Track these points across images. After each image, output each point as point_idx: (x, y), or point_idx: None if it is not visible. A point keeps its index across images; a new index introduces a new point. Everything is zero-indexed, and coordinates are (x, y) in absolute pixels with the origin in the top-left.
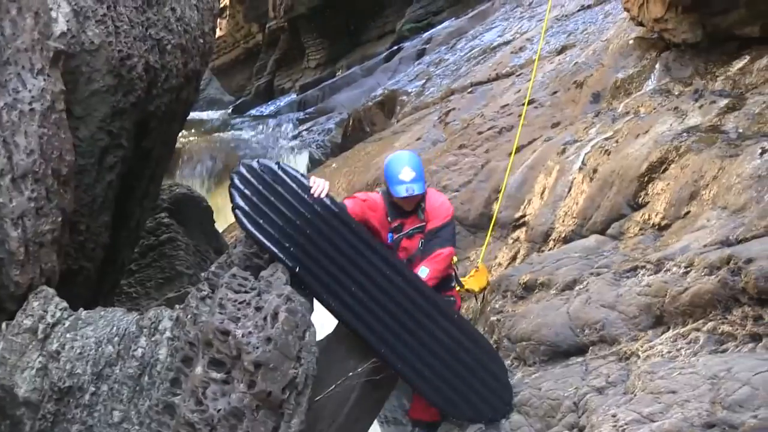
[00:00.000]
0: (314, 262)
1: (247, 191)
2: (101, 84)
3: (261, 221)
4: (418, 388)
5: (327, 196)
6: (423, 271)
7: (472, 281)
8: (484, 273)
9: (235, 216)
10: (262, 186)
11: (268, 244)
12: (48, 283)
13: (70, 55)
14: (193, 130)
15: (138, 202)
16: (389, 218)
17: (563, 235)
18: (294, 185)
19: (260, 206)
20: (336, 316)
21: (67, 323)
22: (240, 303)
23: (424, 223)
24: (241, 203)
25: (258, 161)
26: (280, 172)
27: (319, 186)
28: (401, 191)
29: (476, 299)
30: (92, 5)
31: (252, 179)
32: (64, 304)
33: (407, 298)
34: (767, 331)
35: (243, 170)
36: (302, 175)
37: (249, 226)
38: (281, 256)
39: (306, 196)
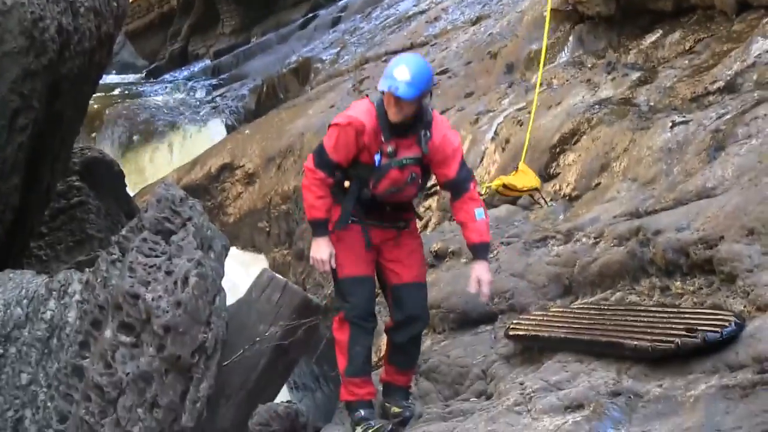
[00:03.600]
0: None
1: None
2: (13, 45)
3: None
4: None
5: None
6: (480, 213)
7: (515, 178)
8: (530, 172)
9: None
10: None
11: None
12: None
13: None
14: (105, 94)
15: (49, 165)
16: (383, 137)
17: None
18: None
19: None
20: None
21: None
22: (150, 267)
23: (421, 156)
24: None
25: None
26: None
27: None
28: (383, 84)
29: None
30: None
31: None
32: None
33: None
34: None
35: None
36: None
37: None
38: None
39: None
